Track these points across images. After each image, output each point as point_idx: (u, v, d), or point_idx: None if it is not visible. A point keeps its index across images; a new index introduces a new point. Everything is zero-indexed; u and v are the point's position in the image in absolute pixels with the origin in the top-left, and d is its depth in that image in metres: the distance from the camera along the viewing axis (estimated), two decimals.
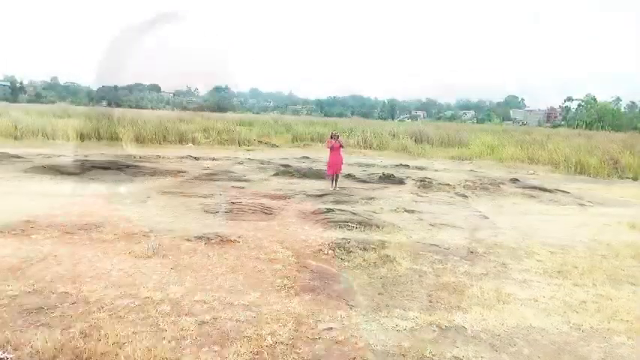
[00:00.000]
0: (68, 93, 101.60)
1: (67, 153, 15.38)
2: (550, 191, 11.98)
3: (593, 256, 5.97)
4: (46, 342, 2.88)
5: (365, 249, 5.47)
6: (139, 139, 21.47)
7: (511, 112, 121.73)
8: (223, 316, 3.56)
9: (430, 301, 4.16)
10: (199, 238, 5.68)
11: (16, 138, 20.18)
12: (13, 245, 5.03)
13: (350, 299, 4.10)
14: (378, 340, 3.33)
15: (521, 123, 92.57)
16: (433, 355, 3.15)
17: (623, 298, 4.50)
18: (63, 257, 4.75)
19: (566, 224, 8.12)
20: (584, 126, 60.33)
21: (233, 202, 7.99)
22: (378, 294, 4.28)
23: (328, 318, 3.66)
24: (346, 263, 5.09)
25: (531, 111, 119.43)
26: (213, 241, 5.59)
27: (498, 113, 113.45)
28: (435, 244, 6.05)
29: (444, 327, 3.62)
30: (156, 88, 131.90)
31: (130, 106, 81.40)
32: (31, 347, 2.82)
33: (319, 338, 3.31)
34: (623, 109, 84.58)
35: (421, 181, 12.07)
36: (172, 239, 5.60)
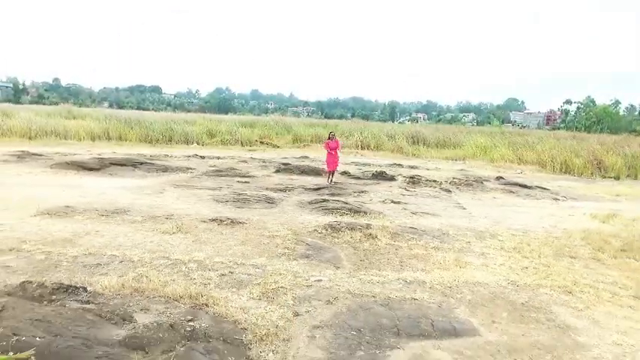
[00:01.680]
0: (70, 94, 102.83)
1: (82, 151, 16.45)
2: (529, 187, 13.03)
3: (547, 238, 7.01)
4: (110, 282, 3.93)
5: (352, 229, 6.52)
6: (148, 140, 22.60)
7: (511, 114, 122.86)
8: (238, 271, 4.62)
9: (401, 265, 5.21)
10: (213, 220, 6.74)
11: (30, 138, 21.29)
12: (61, 224, 6.09)
13: (337, 263, 5.15)
14: (355, 287, 4.38)
15: (520, 125, 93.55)
16: (396, 297, 4.19)
17: (559, 266, 5.54)
18: (104, 232, 5.81)
19: (534, 214, 9.15)
20: (582, 129, 61.16)
21: (240, 194, 9.04)
22: (360, 260, 5.33)
23: (319, 274, 4.71)
24: (336, 240, 6.13)
25: (531, 113, 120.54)
26: (225, 222, 6.64)
27: (498, 116, 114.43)
28: (413, 227, 7.10)
29: (408, 281, 4.67)
30: (157, 89, 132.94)
31: (132, 108, 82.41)
32: (100, 285, 3.86)
33: (311, 285, 4.36)
34: (622, 112, 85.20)
35: (411, 178, 13.12)
36: (190, 221, 6.65)
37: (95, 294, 3.60)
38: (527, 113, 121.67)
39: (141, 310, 3.39)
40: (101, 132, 22.89)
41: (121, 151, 17.61)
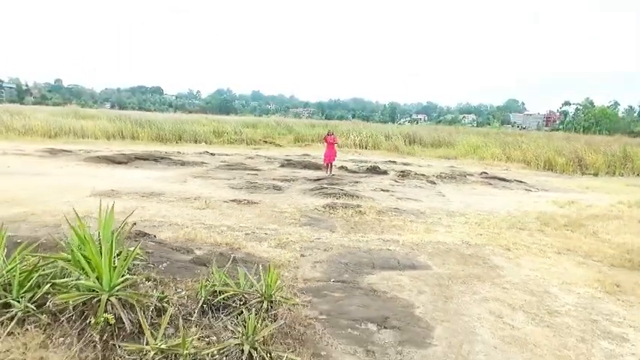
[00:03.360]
0: (72, 95, 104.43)
1: (102, 148, 17.98)
2: (508, 181, 14.53)
3: (507, 216, 8.52)
4: (168, 235, 5.45)
5: (346, 207, 8.04)
6: (159, 139, 24.15)
7: (511, 115, 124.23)
8: (258, 232, 6.14)
9: (382, 231, 6.73)
10: (233, 200, 8.27)
11: (50, 137, 22.83)
12: (118, 203, 7.60)
13: (332, 229, 6.68)
14: (345, 243, 5.90)
15: (520, 127, 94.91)
16: (375, 248, 5.71)
17: (508, 234, 7.04)
18: (149, 208, 7.33)
19: (504, 200, 10.66)
20: (581, 130, 62.40)
21: (251, 182, 10.58)
22: (350, 228, 6.85)
23: (319, 235, 6.23)
24: (332, 215, 7.66)
25: (531, 115, 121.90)
26: (242, 202, 8.18)
27: (498, 117, 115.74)
28: (397, 208, 8.62)
29: (385, 240, 6.19)
30: (158, 90, 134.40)
31: (133, 108, 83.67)
32: (162, 236, 5.39)
33: (313, 241, 5.88)
34: (621, 114, 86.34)
35: (401, 172, 14.64)
36: (214, 201, 8.18)
37: (161, 240, 5.13)
38: (527, 114, 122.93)
39: (196, 248, 4.92)
40: (115, 131, 24.44)
41: (136, 148, 19.10)
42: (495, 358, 3.16)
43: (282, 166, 14.97)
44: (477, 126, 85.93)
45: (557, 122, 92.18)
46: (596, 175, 20.63)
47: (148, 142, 23.16)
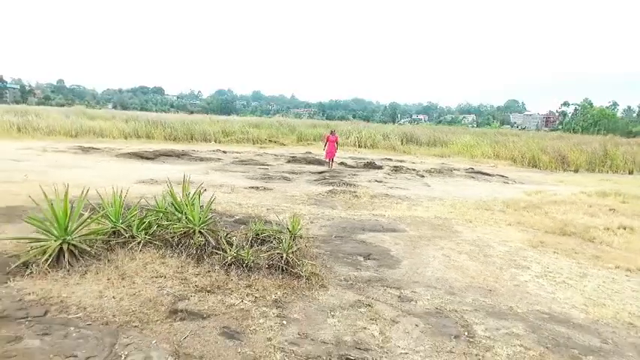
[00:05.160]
0: (74, 95, 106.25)
1: (123, 146, 19.77)
2: (490, 175, 16.30)
3: (478, 201, 10.30)
4: (216, 208, 7.25)
5: (344, 193, 9.85)
6: (172, 138, 25.96)
7: (511, 116, 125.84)
8: (276, 208, 7.95)
9: (373, 209, 8.53)
10: (251, 187, 10.08)
11: (72, 136, 24.64)
12: (158, 187, 9.41)
13: (334, 207, 8.47)
14: (344, 215, 7.70)
15: (520, 127, 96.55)
16: (366, 219, 7.51)
17: (474, 212, 8.83)
18: None
19: (481, 190, 12.44)
20: (580, 130, 63.88)
21: (264, 174, 12.38)
22: (348, 207, 8.65)
23: (323, 211, 8.03)
24: (333, 198, 9.46)
25: (530, 115, 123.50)
26: (259, 188, 9.98)
27: (498, 117, 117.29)
28: (387, 194, 10.42)
29: (375, 214, 7.98)
30: (160, 90, 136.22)
31: (135, 109, 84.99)
32: (211, 205, 7.18)
33: (319, 214, 7.68)
34: (620, 114, 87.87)
35: (395, 167, 16.43)
36: (237, 188, 9.98)
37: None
38: (527, 115, 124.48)
39: (235, 215, 6.72)
40: (131, 131, 26.26)
41: (153, 146, 20.85)
42: (437, 274, 4.95)
43: (289, 161, 16.76)
44: (477, 126, 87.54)
45: (557, 123, 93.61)
46: (576, 171, 22.37)
47: (163, 141, 24.95)
